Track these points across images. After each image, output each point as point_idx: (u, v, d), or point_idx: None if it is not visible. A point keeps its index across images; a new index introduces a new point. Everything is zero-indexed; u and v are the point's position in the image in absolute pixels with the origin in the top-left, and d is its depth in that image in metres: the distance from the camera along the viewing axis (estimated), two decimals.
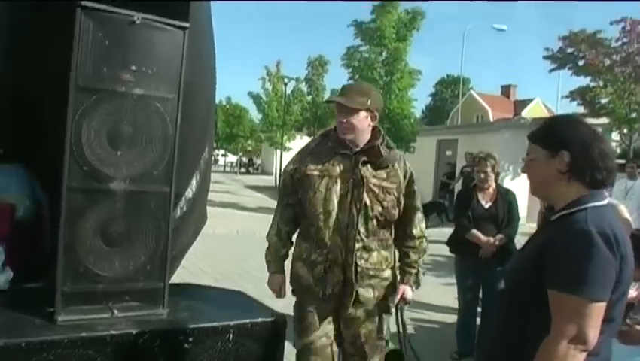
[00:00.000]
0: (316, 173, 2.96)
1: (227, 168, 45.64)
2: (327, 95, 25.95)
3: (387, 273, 3.08)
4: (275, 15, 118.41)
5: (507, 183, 13.59)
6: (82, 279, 2.52)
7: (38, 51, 2.79)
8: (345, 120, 2.91)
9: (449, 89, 57.16)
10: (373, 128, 3.02)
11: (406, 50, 16.57)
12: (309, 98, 26.41)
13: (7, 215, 3.43)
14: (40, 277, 3.51)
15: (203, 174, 3.55)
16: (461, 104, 40.91)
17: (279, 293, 3.23)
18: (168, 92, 2.53)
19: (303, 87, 27.20)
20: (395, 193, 2.98)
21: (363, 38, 16.74)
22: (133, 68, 2.40)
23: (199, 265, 8.12)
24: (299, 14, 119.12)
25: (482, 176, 5.06)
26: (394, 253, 3.15)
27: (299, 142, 28.22)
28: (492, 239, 4.95)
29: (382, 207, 2.95)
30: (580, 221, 1.82)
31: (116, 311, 2.59)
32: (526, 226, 10.17)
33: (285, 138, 27.13)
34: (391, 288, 3.12)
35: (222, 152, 47.33)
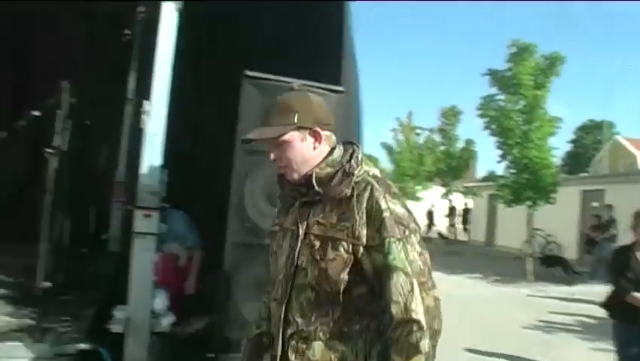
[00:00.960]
0: (276, 228, 2.11)
1: None
2: (460, 146, 25.60)
3: None
4: (405, 65, 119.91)
5: None
6: (240, 328, 2.66)
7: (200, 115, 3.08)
8: (274, 157, 1.97)
9: (591, 135, 53.57)
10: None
11: (545, 98, 15.90)
12: (443, 148, 26.17)
13: (172, 264, 3.76)
14: (197, 323, 3.77)
15: None
16: (606, 151, 38.10)
17: None
18: None
19: (436, 137, 27.09)
20: (345, 246, 1.84)
21: (499, 87, 16.35)
22: None
23: None
24: (430, 64, 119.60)
25: None
26: (364, 347, 1.89)
27: (431, 193, 27.97)
28: None
29: (319, 269, 1.86)
30: None
31: None
32: None
33: (419, 188, 26.96)
34: None
35: None
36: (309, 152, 1.93)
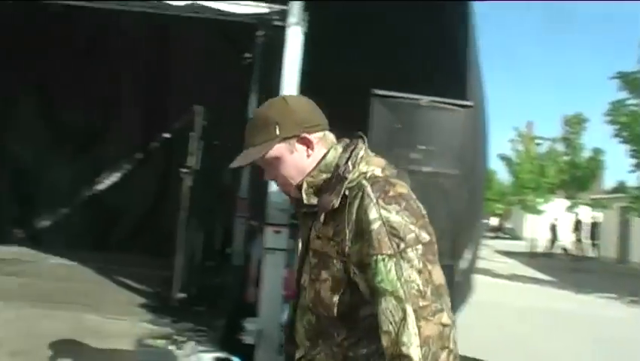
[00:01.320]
0: (299, 240, 1.89)
1: None
2: (586, 155, 24.20)
3: None
4: (523, 71, 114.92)
5: None
6: None
7: None
8: (269, 177, 1.77)
9: None
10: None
11: None
12: (566, 158, 24.81)
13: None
14: None
15: (475, 246, 3.56)
16: None
17: None
18: (452, 169, 2.64)
19: (559, 147, 25.79)
20: (337, 265, 1.59)
21: (630, 91, 15.20)
22: (422, 147, 2.57)
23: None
24: (549, 71, 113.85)
25: None
26: None
27: (554, 206, 26.51)
28: None
29: (314, 291, 1.65)
30: None
31: None
32: None
33: (540, 200, 25.71)
34: None
35: None
36: (302, 161, 1.68)
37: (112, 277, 6.36)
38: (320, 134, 1.68)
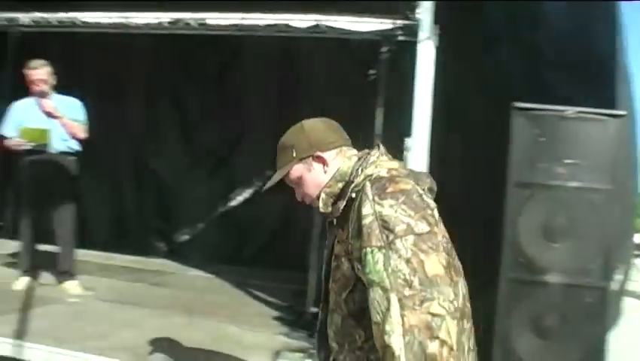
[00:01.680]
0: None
1: None
2: None
3: None
4: None
5: None
6: None
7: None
8: (299, 198, 1.93)
9: None
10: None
11: None
12: None
13: None
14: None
15: (627, 266, 3.30)
16: None
17: None
18: (603, 184, 2.48)
19: None
20: (346, 264, 1.70)
21: None
22: (568, 161, 2.44)
23: None
24: None
25: None
26: None
27: None
28: None
29: (334, 292, 1.78)
30: None
31: None
32: None
33: None
34: None
35: None
36: (319, 178, 1.83)
37: (246, 290, 6.63)
38: (335, 150, 1.82)
